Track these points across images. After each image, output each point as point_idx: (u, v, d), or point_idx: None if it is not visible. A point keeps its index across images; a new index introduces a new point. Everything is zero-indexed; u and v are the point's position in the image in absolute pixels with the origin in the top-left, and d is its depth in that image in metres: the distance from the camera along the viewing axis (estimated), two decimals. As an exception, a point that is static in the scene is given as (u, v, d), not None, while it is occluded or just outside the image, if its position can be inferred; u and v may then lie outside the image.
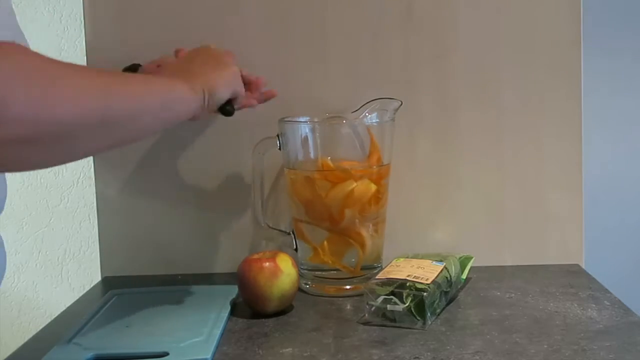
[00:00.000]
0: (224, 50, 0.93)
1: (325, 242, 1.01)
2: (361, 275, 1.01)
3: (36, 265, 1.50)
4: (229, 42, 1.11)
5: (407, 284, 0.88)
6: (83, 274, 1.50)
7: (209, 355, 0.78)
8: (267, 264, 0.92)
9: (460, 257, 1.03)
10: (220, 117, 1.12)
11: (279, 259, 0.92)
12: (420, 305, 0.86)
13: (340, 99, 1.10)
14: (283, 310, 0.93)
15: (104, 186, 1.13)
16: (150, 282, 1.07)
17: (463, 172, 1.12)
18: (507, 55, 1.11)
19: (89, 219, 1.46)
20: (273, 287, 0.91)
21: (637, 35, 1.42)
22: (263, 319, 0.91)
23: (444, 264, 0.95)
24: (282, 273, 0.91)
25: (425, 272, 0.91)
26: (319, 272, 1.03)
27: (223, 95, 0.87)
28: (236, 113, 1.12)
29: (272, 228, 1.08)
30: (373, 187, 1.00)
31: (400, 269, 0.92)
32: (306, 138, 1.03)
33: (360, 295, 0.94)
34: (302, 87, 1.12)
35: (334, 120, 1.05)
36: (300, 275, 1.04)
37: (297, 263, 1.05)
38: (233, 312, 0.94)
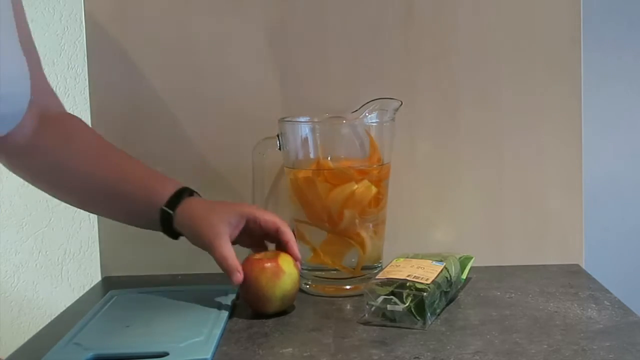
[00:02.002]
0: None
1: (325, 243, 1.01)
2: (361, 276, 1.01)
3: (36, 265, 1.50)
4: (229, 41, 1.12)
5: (407, 284, 0.88)
6: (83, 274, 1.50)
7: (209, 356, 0.78)
8: (269, 264, 0.91)
9: (460, 257, 1.03)
10: (222, 115, 1.13)
11: (280, 259, 0.92)
12: (420, 305, 0.86)
13: (340, 99, 1.10)
14: (284, 311, 0.93)
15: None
16: (150, 282, 1.07)
17: (463, 172, 1.12)
18: (507, 55, 1.11)
19: (89, 219, 1.46)
20: (275, 288, 0.90)
21: (637, 35, 1.42)
22: (263, 319, 0.91)
23: (444, 264, 0.95)
24: (284, 273, 0.91)
25: (425, 272, 0.91)
26: (319, 272, 1.03)
27: None
28: (238, 113, 1.12)
29: (272, 228, 1.08)
30: (374, 190, 1.00)
31: (400, 269, 0.92)
32: (306, 138, 1.03)
33: (360, 295, 0.94)
34: (302, 87, 1.12)
35: (334, 120, 1.05)
36: (301, 276, 1.04)
37: (297, 263, 1.06)
38: (233, 312, 0.94)
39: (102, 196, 0.96)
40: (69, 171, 0.94)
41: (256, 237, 0.96)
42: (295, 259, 0.93)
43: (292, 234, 0.95)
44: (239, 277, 0.89)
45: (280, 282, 0.91)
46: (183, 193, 0.94)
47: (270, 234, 0.94)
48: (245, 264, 0.93)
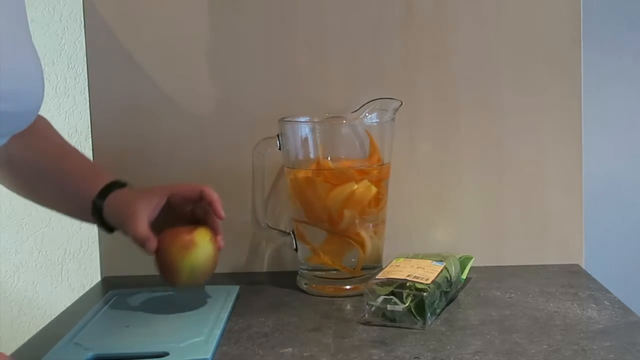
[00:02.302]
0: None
1: (325, 243, 1.01)
2: (361, 276, 1.01)
3: (36, 265, 1.50)
4: (229, 41, 1.12)
5: (407, 284, 0.88)
6: (83, 274, 1.50)
7: (209, 356, 0.78)
8: (182, 234, 0.89)
9: (460, 257, 1.03)
10: (222, 115, 1.13)
11: (197, 231, 0.90)
12: (420, 305, 0.86)
13: (340, 99, 1.10)
14: (195, 286, 0.90)
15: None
16: (150, 282, 1.07)
17: (463, 172, 1.12)
18: (507, 55, 1.11)
19: (89, 219, 1.46)
20: (184, 259, 0.88)
21: (637, 35, 1.42)
22: (262, 319, 0.91)
23: (444, 264, 0.95)
24: (197, 246, 0.88)
25: (425, 272, 0.91)
26: (319, 272, 1.03)
27: None
28: (238, 113, 1.12)
29: (272, 228, 1.08)
30: (373, 190, 1.00)
31: (400, 269, 0.92)
32: (306, 138, 1.03)
33: (360, 295, 0.94)
34: (302, 87, 1.12)
35: (334, 120, 1.05)
36: (300, 275, 1.05)
37: (297, 263, 1.05)
38: (233, 312, 0.94)
39: (47, 188, 0.95)
40: (24, 165, 0.94)
41: (185, 215, 0.93)
42: (215, 231, 0.91)
43: (216, 194, 0.91)
44: (150, 244, 0.87)
45: (190, 254, 0.88)
46: (114, 185, 0.93)
47: (195, 200, 0.92)
48: (160, 234, 0.90)
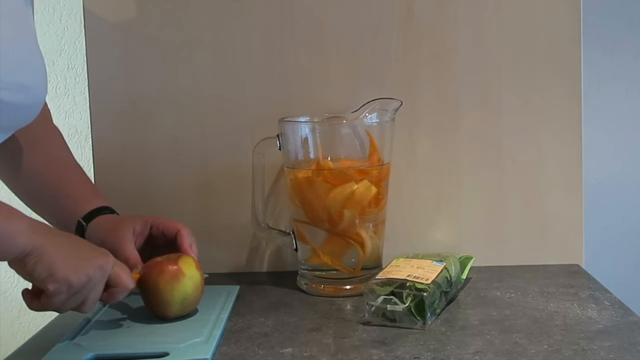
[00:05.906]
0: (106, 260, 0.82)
1: (325, 243, 1.01)
2: (361, 276, 1.01)
3: (36, 265, 1.50)
4: (229, 41, 1.12)
5: (407, 284, 0.88)
6: (83, 274, 1.50)
7: (209, 356, 0.78)
8: (169, 266, 0.88)
9: (460, 257, 1.03)
10: (222, 115, 1.13)
11: (182, 261, 0.89)
12: (420, 305, 0.86)
13: (340, 99, 1.10)
14: (187, 314, 0.90)
15: (104, 187, 1.13)
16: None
17: (463, 172, 1.12)
18: (507, 55, 1.11)
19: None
20: (174, 291, 0.87)
21: (637, 35, 1.42)
22: (262, 319, 0.91)
23: (444, 264, 0.95)
24: (185, 276, 0.87)
25: (425, 272, 0.91)
26: (319, 272, 1.03)
27: (40, 271, 0.75)
28: (238, 113, 1.12)
29: (272, 228, 1.08)
30: (373, 190, 1.00)
31: (400, 269, 0.92)
32: (306, 138, 1.03)
33: (360, 295, 0.94)
34: (302, 87, 1.12)
35: (334, 120, 1.05)
36: (300, 275, 1.05)
37: (297, 263, 1.06)
38: (233, 312, 0.94)
39: (39, 198, 0.98)
40: (20, 169, 0.96)
41: (164, 248, 0.94)
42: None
43: (192, 238, 0.93)
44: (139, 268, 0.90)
45: (179, 285, 0.87)
46: (102, 210, 0.96)
47: (172, 239, 0.93)
48: (145, 266, 0.89)
